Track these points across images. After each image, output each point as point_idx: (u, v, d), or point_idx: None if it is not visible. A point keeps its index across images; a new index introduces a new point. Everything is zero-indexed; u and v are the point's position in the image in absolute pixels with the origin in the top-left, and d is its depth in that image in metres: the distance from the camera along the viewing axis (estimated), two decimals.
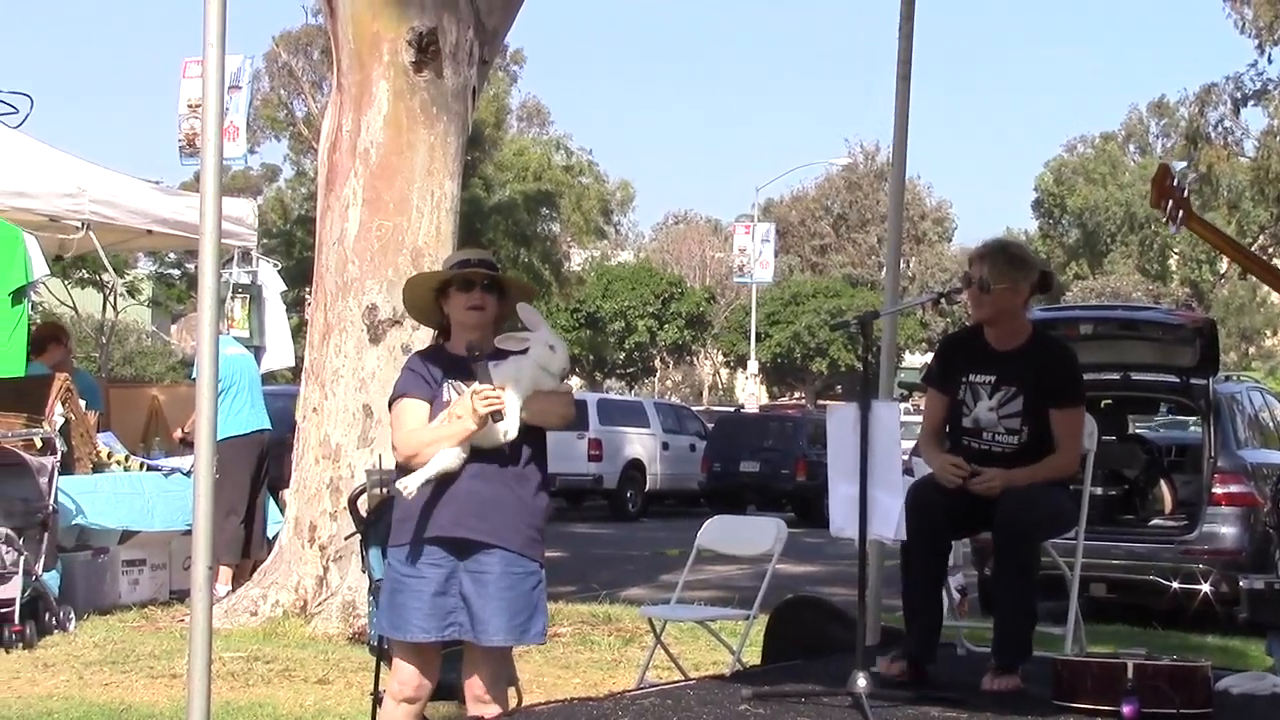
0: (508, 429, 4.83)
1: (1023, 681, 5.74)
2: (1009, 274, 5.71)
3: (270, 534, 11.60)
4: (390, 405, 5.01)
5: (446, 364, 4.99)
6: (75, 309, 16.60)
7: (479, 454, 4.86)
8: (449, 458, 4.83)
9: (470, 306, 4.94)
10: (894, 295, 7.59)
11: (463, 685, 5.04)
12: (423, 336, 9.85)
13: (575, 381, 49.05)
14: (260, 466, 11.64)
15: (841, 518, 5.35)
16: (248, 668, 8.52)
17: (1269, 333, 65.96)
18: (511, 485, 4.89)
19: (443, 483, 4.85)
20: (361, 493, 5.99)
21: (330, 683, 8.19)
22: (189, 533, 10.88)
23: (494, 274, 5.01)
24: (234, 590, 10.71)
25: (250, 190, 41.43)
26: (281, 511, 11.54)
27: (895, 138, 7.52)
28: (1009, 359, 5.85)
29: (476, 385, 4.80)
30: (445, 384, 4.93)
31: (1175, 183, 4.78)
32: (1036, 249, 70.33)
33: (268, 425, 11.72)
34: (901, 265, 7.82)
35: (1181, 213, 4.79)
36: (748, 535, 7.83)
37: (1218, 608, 11.08)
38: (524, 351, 4.91)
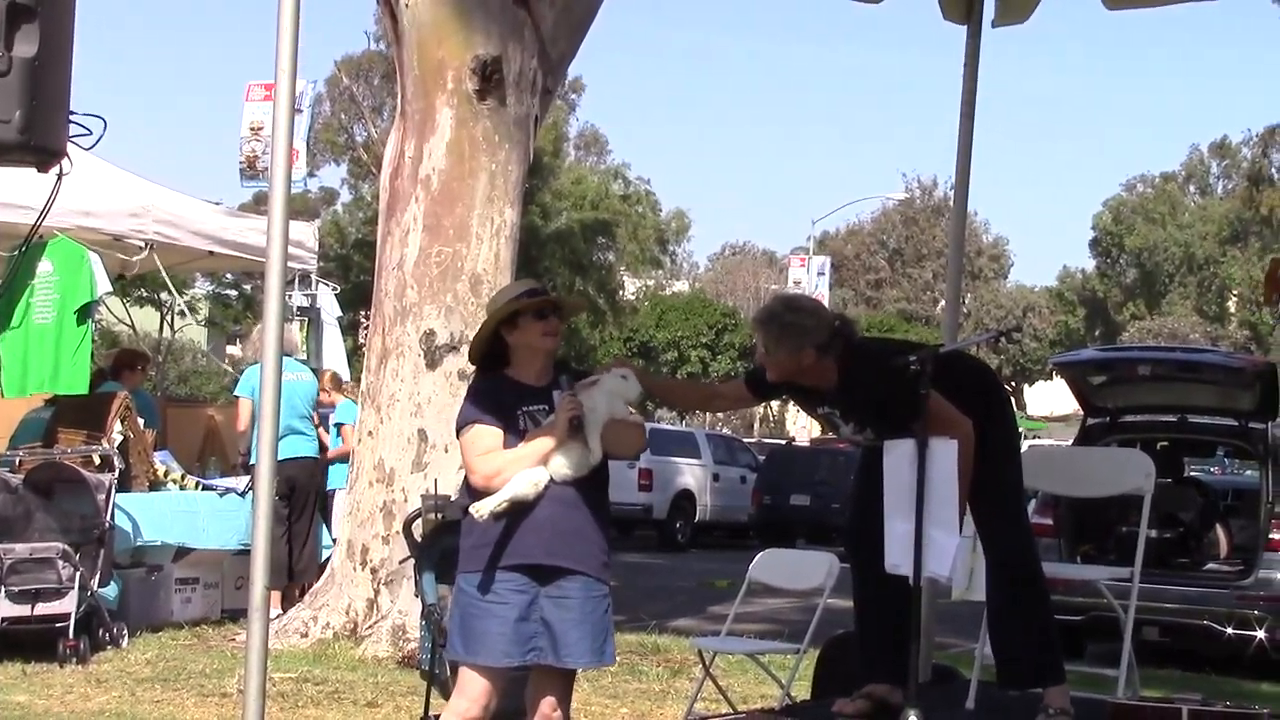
0: (593, 454, 4.97)
1: None
2: (784, 344, 5.55)
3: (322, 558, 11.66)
4: (460, 431, 5.08)
5: (515, 391, 5.08)
6: (133, 327, 16.77)
7: (561, 482, 4.96)
8: (525, 485, 4.91)
9: (545, 334, 5.07)
10: (953, 333, 7.58)
11: (521, 710, 5.15)
12: None
13: None
14: (306, 491, 11.66)
15: (897, 555, 5.33)
16: (297, 689, 8.56)
17: None
18: (588, 512, 5.02)
19: (519, 511, 4.93)
20: (416, 517, 6.04)
21: (379, 706, 8.22)
22: (241, 552, 11.06)
23: (563, 300, 5.23)
24: (283, 613, 10.77)
25: (308, 213, 41.64)
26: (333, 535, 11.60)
27: (958, 174, 7.52)
28: (833, 397, 5.76)
29: (564, 393, 4.97)
30: (521, 414, 5.02)
31: None
32: (1094, 288, 70.07)
33: (308, 452, 11.72)
34: None
35: None
36: (800, 569, 7.81)
37: (1273, 655, 10.97)
38: (596, 382, 5.06)
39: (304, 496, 11.65)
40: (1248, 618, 11.15)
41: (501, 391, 5.08)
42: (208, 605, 11.37)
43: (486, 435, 5.00)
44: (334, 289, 14.47)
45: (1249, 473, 19.06)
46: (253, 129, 26.17)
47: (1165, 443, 12.37)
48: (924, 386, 5.23)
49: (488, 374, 5.18)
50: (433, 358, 10.19)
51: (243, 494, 11.26)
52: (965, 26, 7.43)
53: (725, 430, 41.41)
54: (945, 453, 5.21)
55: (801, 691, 7.36)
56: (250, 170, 26.23)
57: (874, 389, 5.54)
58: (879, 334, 57.93)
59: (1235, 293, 65.65)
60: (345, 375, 14.10)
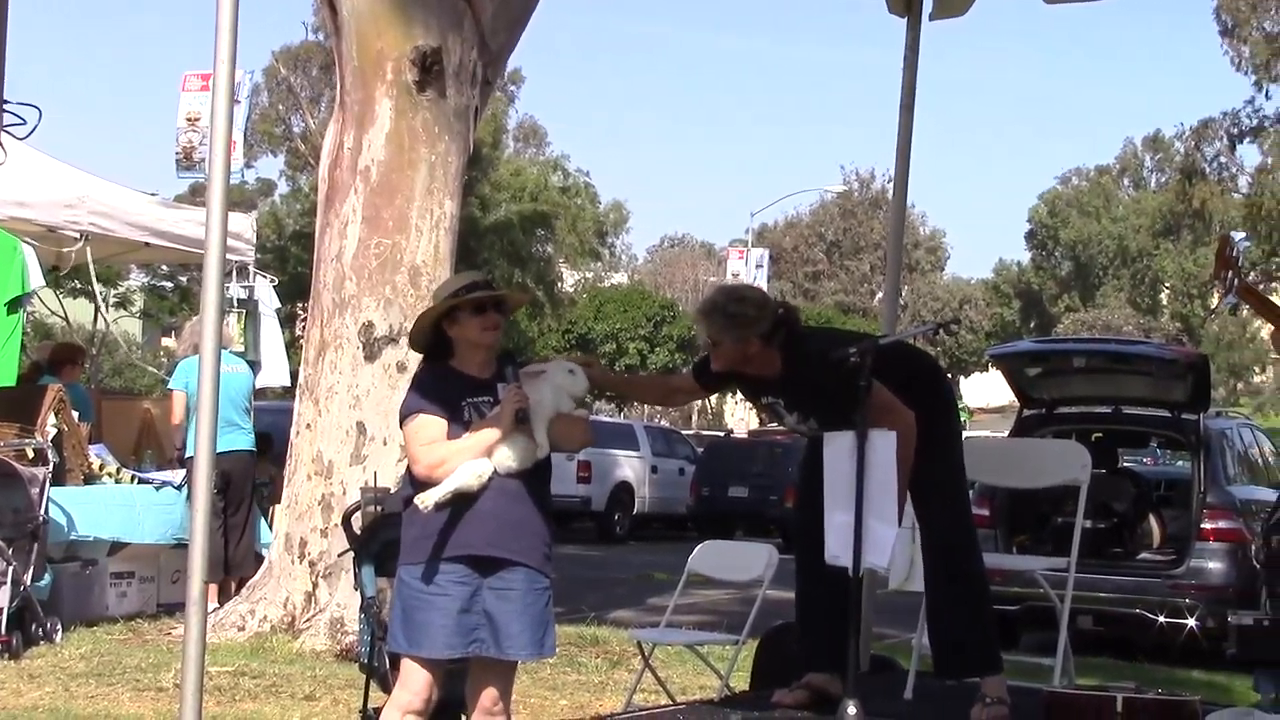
0: (540, 447, 4.98)
1: (1011, 712, 5.76)
2: (728, 334, 5.59)
3: (259, 551, 11.59)
4: (403, 421, 5.07)
5: (459, 382, 5.08)
6: (67, 319, 16.60)
7: (505, 473, 4.96)
8: (468, 476, 4.91)
9: (484, 328, 5.07)
10: (892, 324, 7.63)
11: (460, 701, 5.17)
12: (418, 355, 9.90)
13: None
14: (243, 485, 11.59)
15: (836, 546, 5.36)
16: (234, 683, 8.51)
17: (1257, 369, 66.13)
18: (531, 504, 5.03)
19: (462, 502, 4.93)
20: (356, 510, 6.00)
21: (317, 699, 8.19)
22: (178, 546, 10.98)
23: (503, 294, 5.16)
24: (220, 606, 10.70)
25: (245, 205, 41.44)
26: (270, 528, 11.53)
27: (897, 167, 7.57)
28: (778, 386, 5.80)
29: (510, 385, 4.98)
30: (465, 405, 5.02)
31: (1234, 253, 4.78)
32: (1029, 281, 70.68)
33: (244, 446, 11.61)
34: None
35: (1237, 282, 4.79)
36: (739, 560, 7.84)
37: (1204, 643, 11.09)
38: (543, 375, 5.08)
39: (240, 490, 11.56)
40: (1179, 606, 11.29)
41: (446, 382, 5.08)
42: (143, 599, 11.29)
43: (430, 426, 4.99)
44: (272, 281, 14.36)
45: (1181, 463, 19.31)
46: (189, 120, 25.98)
47: (1100, 434, 12.48)
48: (864, 378, 5.26)
49: (433, 365, 5.18)
50: (371, 350, 10.15)
51: (179, 488, 11.19)
52: (905, 19, 7.48)
53: (664, 422, 41.45)
54: (885, 444, 5.25)
55: (740, 682, 7.39)
56: (186, 161, 26.04)
57: (817, 379, 5.57)
58: (817, 326, 58.21)
59: (1168, 285, 66.37)
60: (284, 368, 14.00)
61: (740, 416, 49.65)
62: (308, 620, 9.99)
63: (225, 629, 10.03)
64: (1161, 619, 11.30)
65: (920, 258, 70.52)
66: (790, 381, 5.69)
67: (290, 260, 41.38)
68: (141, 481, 11.43)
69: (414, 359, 9.77)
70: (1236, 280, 4.76)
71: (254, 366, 12.80)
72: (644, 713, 6.20)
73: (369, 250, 10.23)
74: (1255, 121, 50.90)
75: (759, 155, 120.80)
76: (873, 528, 5.22)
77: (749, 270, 50.00)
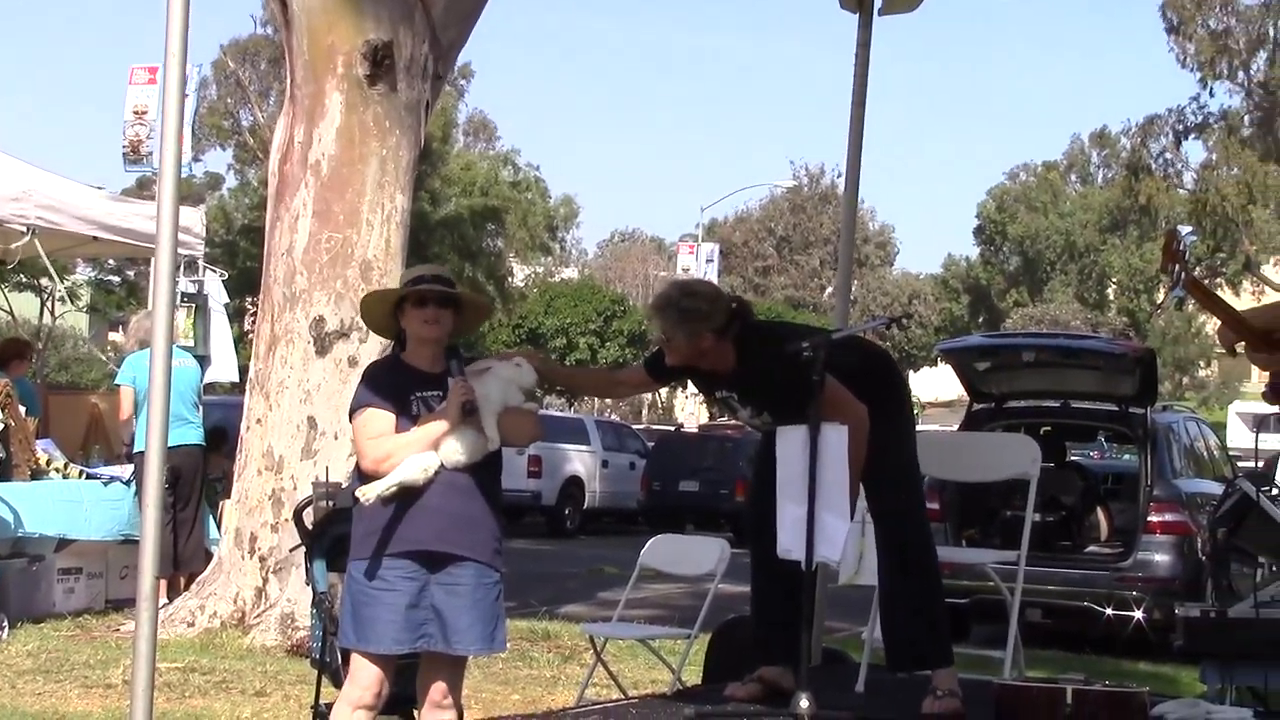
0: (490, 440, 4.97)
1: (963, 705, 5.79)
2: (682, 329, 5.61)
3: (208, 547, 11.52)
4: (353, 414, 5.08)
5: (409, 376, 5.08)
6: (12, 313, 16.45)
7: (453, 468, 4.94)
8: (414, 469, 4.89)
9: (424, 322, 5.04)
10: (844, 318, 7.67)
11: (412, 697, 5.17)
12: (369, 350, 9.88)
13: None
14: (192, 479, 11.51)
15: (789, 539, 5.38)
16: (184, 679, 8.47)
17: (1202, 363, 66.70)
18: (480, 498, 5.02)
19: (409, 497, 4.92)
20: (307, 505, 5.98)
21: (268, 695, 8.15)
22: (126, 542, 10.89)
23: (449, 291, 5.10)
24: (169, 602, 10.63)
25: (193, 199, 41.16)
26: (219, 524, 11.46)
27: (849, 161, 7.60)
28: (731, 380, 5.82)
29: (455, 379, 4.94)
30: (414, 399, 5.01)
31: (1180, 247, 4.80)
32: (978, 276, 71.00)
33: (194, 440, 11.52)
34: None
35: (1184, 276, 4.82)
36: (691, 555, 7.86)
37: (1150, 635, 11.18)
38: (491, 369, 5.07)
39: (189, 485, 11.48)
40: (1126, 599, 11.37)
41: (396, 376, 5.09)
42: (91, 596, 11.21)
43: (378, 419, 4.99)
44: (221, 275, 14.28)
45: (1127, 457, 19.44)
46: (136, 113, 25.79)
47: (1048, 428, 12.56)
48: (817, 372, 5.28)
49: (385, 359, 5.19)
50: (322, 344, 10.12)
51: (127, 483, 11.11)
52: (856, 15, 7.51)
53: (614, 417, 41.47)
54: (837, 438, 5.27)
55: (693, 676, 7.41)
56: (134, 155, 25.85)
57: (770, 373, 5.59)
58: (772, 319, 58.24)
59: (1115, 280, 66.82)
60: (233, 363, 13.92)
61: (690, 411, 49.72)
62: (258, 616, 9.95)
63: (174, 625, 9.98)
64: (1109, 611, 11.37)
65: (870, 253, 70.71)
66: (744, 376, 5.71)
67: (239, 255, 41.18)
68: (89, 477, 11.34)
69: (366, 353, 9.82)
70: (1183, 274, 4.79)
71: (203, 361, 12.72)
72: (596, 707, 6.21)
73: (320, 245, 10.19)
74: (1200, 118, 51.44)
75: (709, 150, 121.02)
76: (825, 521, 5.24)
77: (699, 265, 50.06)
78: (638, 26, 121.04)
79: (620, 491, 26.07)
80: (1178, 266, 4.78)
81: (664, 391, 70.07)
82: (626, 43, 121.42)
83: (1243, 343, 4.95)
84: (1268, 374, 5.06)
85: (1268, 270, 53.64)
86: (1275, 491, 7.66)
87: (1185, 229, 4.92)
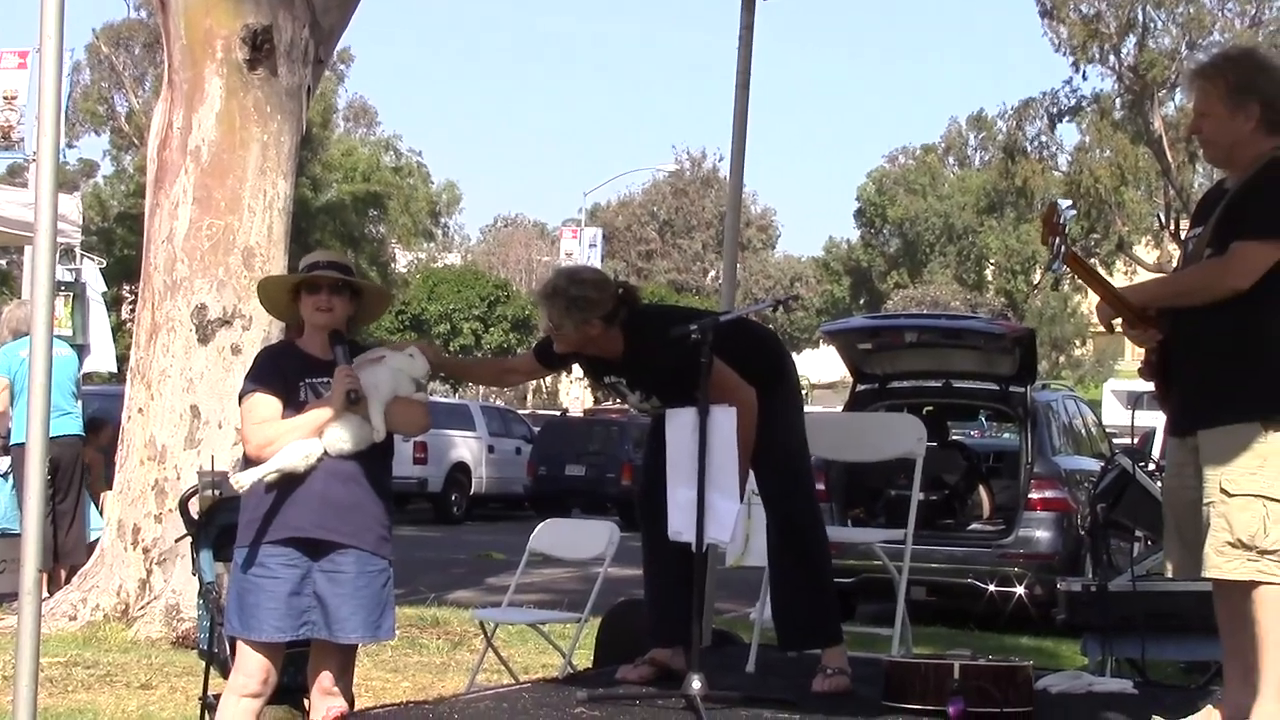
0: (376, 430, 4.94)
1: (852, 682, 5.86)
2: (570, 317, 5.61)
3: (90, 539, 11.33)
4: (241, 399, 5.06)
5: (300, 362, 5.07)
6: None
7: (337, 455, 4.92)
8: (294, 456, 4.87)
9: (317, 308, 5.04)
10: (731, 300, 7.71)
11: (302, 686, 5.15)
12: (253, 338, 9.79)
13: None
14: (72, 471, 11.32)
15: (679, 521, 5.41)
16: (67, 673, 8.33)
17: (1078, 342, 67.84)
18: (366, 485, 4.99)
19: (291, 484, 4.89)
20: (193, 494, 5.92)
21: (154, 688, 8.05)
22: (4, 535, 10.68)
23: (342, 277, 5.09)
24: (50, 595, 10.46)
25: (68, 185, 40.44)
26: (101, 515, 11.28)
27: (733, 145, 7.63)
28: (620, 365, 5.85)
29: (340, 366, 4.92)
30: (302, 385, 4.99)
31: (1060, 220, 4.86)
32: (859, 258, 71.61)
33: (73, 430, 11.33)
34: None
35: (1064, 249, 4.87)
36: (580, 539, 7.87)
37: (1032, 610, 11.38)
38: (382, 358, 5.05)
39: (69, 476, 11.29)
40: (1008, 575, 11.57)
41: (287, 361, 5.07)
42: None
43: (264, 404, 4.96)
44: (99, 263, 14.06)
45: (1008, 435, 19.77)
46: (6, 98, 25.20)
47: (930, 407, 12.73)
48: (705, 355, 5.31)
49: (277, 344, 5.18)
50: (205, 332, 9.99)
51: (5, 475, 10.91)
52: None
53: (499, 402, 41.37)
54: (726, 420, 5.30)
55: (584, 660, 7.42)
56: (4, 141, 25.27)
57: (658, 357, 5.61)
58: (659, 303, 58.36)
59: (993, 261, 67.69)
60: (111, 352, 13.71)
61: (576, 395, 49.73)
62: (142, 608, 9.83)
63: (56, 619, 9.82)
64: (992, 588, 11.57)
65: (752, 236, 71.05)
66: (632, 360, 5.73)
67: (116, 242, 40.55)
68: None
69: (249, 341, 9.73)
70: (1064, 247, 4.87)
71: (81, 350, 12.52)
72: (488, 692, 6.19)
73: (201, 231, 10.06)
74: (1074, 101, 52.23)
75: (592, 135, 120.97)
76: (715, 503, 5.28)
77: (582, 250, 50.03)
78: (520, 10, 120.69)
79: (507, 477, 26.06)
80: (1058, 240, 4.84)
81: (549, 377, 70.15)
82: (508, 25, 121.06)
83: (1120, 319, 5.03)
84: (1143, 350, 5.14)
85: (1140, 250, 54.64)
86: (1151, 467, 7.80)
87: (1065, 203, 4.97)
